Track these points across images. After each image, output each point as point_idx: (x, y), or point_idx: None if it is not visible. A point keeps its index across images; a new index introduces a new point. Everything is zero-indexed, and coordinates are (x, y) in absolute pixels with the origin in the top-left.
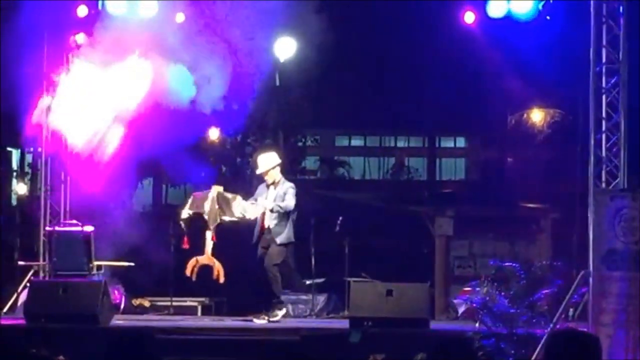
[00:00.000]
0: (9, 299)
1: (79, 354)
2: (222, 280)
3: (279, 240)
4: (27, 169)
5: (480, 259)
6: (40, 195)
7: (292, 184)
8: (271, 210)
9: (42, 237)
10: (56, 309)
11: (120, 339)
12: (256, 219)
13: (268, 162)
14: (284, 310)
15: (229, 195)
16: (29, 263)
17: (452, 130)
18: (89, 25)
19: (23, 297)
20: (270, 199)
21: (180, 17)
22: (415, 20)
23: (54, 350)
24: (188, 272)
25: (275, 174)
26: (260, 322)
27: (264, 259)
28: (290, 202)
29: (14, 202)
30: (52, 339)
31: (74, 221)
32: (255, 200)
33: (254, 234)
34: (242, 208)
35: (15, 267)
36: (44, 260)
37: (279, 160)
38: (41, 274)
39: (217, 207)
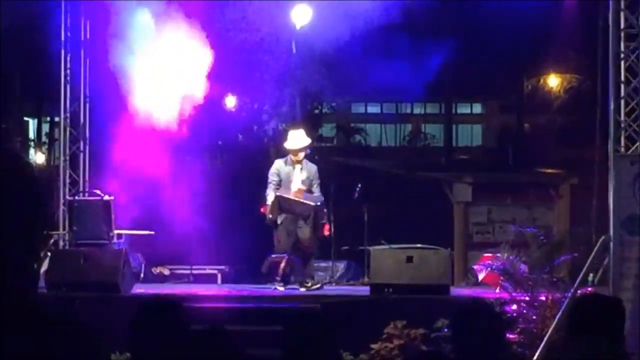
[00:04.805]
0: None
1: (101, 322)
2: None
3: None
4: (44, 139)
5: (498, 225)
6: (60, 165)
7: (315, 167)
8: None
9: (61, 206)
10: (77, 278)
11: (150, 306)
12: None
13: (304, 140)
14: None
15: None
16: (48, 232)
17: (469, 96)
18: None
19: (44, 266)
20: (297, 179)
21: None
22: None
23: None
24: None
25: (304, 154)
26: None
27: (297, 234)
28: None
29: None
30: (73, 307)
31: (95, 190)
32: (279, 176)
33: (278, 209)
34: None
35: None
36: (64, 229)
37: (310, 141)
38: (61, 243)
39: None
